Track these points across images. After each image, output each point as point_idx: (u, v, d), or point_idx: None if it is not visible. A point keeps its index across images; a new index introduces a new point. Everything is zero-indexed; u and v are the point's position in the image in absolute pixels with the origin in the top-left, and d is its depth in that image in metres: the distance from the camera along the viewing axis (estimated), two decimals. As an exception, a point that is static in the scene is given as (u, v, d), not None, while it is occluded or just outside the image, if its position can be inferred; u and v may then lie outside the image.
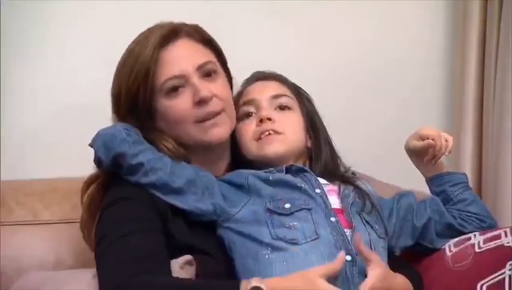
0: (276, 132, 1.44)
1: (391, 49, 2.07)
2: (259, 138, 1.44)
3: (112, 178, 1.37)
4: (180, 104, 1.39)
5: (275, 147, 1.43)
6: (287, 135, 1.44)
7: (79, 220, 1.44)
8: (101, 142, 1.34)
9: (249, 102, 1.49)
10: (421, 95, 2.11)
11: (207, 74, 1.43)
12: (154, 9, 1.85)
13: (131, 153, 1.32)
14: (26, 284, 1.42)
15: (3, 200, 1.66)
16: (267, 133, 1.44)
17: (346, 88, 2.05)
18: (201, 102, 1.39)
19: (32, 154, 1.88)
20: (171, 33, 1.41)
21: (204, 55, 1.45)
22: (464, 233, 1.49)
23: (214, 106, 1.41)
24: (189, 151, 1.42)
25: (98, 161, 1.36)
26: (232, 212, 1.35)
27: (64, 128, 1.89)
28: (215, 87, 1.42)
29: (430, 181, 1.55)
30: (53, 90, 1.89)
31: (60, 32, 1.88)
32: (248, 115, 1.49)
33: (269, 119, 1.45)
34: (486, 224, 1.50)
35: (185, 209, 1.34)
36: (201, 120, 1.40)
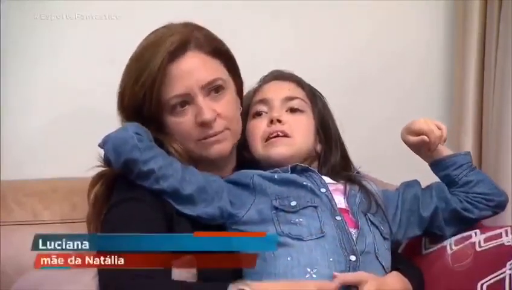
0: (285, 135, 1.44)
1: (391, 49, 2.07)
2: (267, 139, 1.45)
3: (117, 177, 1.37)
4: (184, 123, 1.40)
5: (280, 150, 1.43)
6: (295, 138, 1.45)
7: (79, 220, 1.45)
8: (111, 146, 1.33)
9: (262, 101, 1.49)
10: (421, 95, 2.11)
11: (214, 90, 1.41)
12: (153, 10, 1.85)
13: (142, 159, 1.31)
14: (26, 284, 1.42)
15: (3, 200, 1.66)
16: (275, 134, 1.44)
17: (345, 88, 2.05)
18: (203, 124, 1.39)
19: (32, 154, 1.88)
20: (180, 46, 1.39)
21: (212, 71, 1.42)
22: (472, 218, 1.48)
23: (216, 127, 1.40)
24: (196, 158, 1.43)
25: (107, 163, 1.36)
26: (239, 215, 1.35)
27: (64, 128, 1.89)
28: (220, 106, 1.41)
29: (432, 167, 1.53)
30: (53, 91, 1.89)
31: (60, 33, 1.88)
32: (260, 113, 1.49)
33: (279, 121, 1.45)
34: (495, 203, 1.49)
35: (192, 216, 1.34)
36: (203, 138, 1.40)
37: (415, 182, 1.53)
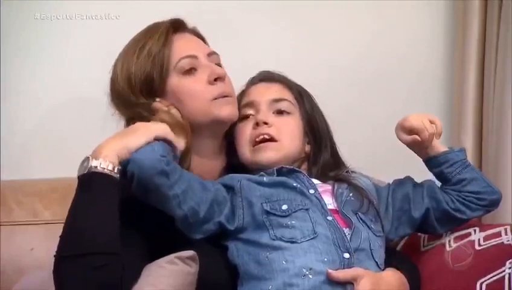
0: (272, 138, 1.43)
1: (391, 49, 2.07)
2: (254, 143, 1.44)
3: None
4: (196, 83, 1.42)
5: (269, 155, 1.43)
6: (282, 141, 1.44)
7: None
8: (137, 168, 1.25)
9: (249, 104, 1.49)
10: (421, 95, 2.11)
11: (217, 63, 1.47)
12: (152, 8, 1.86)
13: (168, 184, 1.26)
14: (27, 284, 1.42)
15: (3, 200, 1.67)
16: (262, 137, 1.43)
17: (345, 88, 2.05)
18: (218, 79, 1.43)
19: (32, 154, 1.89)
20: (178, 24, 1.47)
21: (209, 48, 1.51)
22: (463, 219, 1.46)
23: (228, 85, 1.45)
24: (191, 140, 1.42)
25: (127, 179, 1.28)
26: (237, 225, 1.34)
27: (64, 128, 1.89)
28: (224, 72, 1.47)
29: (426, 163, 1.51)
30: (53, 90, 1.90)
31: (59, 32, 1.89)
32: (247, 116, 1.48)
33: (265, 123, 1.44)
34: (486, 201, 1.46)
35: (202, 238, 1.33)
36: (217, 97, 1.42)
37: (407, 180, 1.51)
